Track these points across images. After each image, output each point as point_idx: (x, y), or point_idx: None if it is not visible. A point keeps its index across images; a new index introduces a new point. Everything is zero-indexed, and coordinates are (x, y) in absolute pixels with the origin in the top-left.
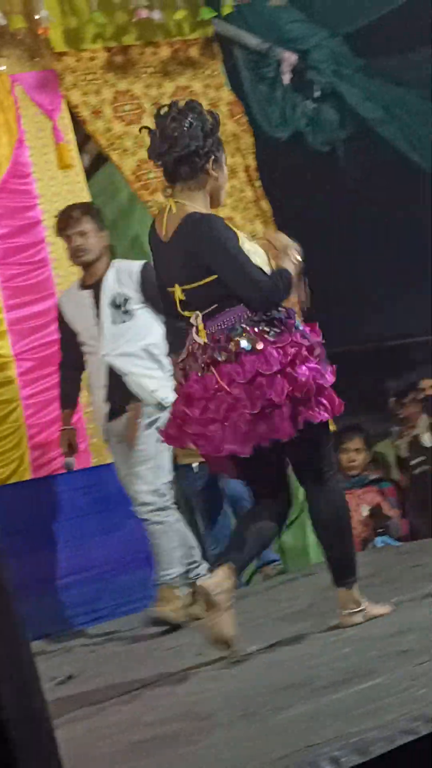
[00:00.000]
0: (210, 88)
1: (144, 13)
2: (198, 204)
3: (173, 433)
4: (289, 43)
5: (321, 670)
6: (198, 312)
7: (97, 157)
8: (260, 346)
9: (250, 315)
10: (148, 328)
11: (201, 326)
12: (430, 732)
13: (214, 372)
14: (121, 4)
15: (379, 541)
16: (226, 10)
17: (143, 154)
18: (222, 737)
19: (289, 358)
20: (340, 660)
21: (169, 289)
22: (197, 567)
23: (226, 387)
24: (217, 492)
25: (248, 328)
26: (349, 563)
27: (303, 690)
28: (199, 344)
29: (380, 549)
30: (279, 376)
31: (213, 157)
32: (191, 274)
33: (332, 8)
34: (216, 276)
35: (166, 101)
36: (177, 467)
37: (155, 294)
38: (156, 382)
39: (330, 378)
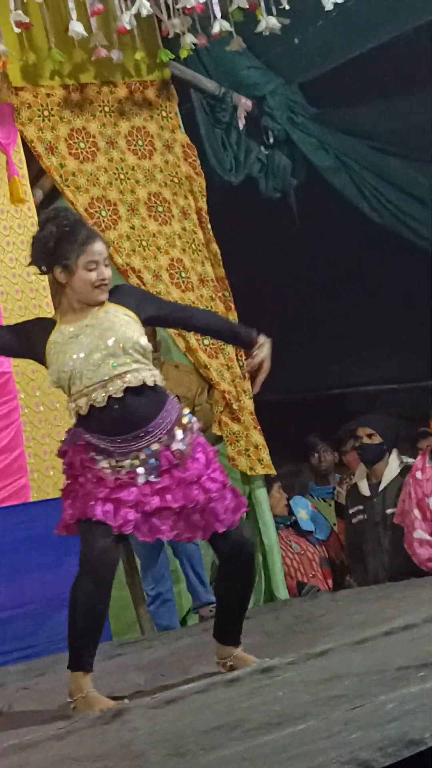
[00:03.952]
0: (165, 130)
1: (103, 53)
2: None
3: None
4: (245, 88)
5: (253, 712)
6: None
7: (49, 193)
8: None
9: None
10: None
11: None
12: None
13: None
14: (80, 43)
15: None
16: (184, 53)
17: (96, 191)
18: None
19: None
20: (272, 703)
21: None
22: None
23: None
24: None
25: None
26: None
27: (235, 731)
28: None
29: (314, 596)
30: None
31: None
32: None
33: (288, 56)
34: None
35: (122, 140)
36: None
37: None
38: None
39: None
